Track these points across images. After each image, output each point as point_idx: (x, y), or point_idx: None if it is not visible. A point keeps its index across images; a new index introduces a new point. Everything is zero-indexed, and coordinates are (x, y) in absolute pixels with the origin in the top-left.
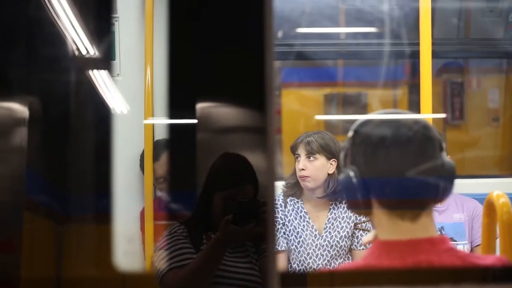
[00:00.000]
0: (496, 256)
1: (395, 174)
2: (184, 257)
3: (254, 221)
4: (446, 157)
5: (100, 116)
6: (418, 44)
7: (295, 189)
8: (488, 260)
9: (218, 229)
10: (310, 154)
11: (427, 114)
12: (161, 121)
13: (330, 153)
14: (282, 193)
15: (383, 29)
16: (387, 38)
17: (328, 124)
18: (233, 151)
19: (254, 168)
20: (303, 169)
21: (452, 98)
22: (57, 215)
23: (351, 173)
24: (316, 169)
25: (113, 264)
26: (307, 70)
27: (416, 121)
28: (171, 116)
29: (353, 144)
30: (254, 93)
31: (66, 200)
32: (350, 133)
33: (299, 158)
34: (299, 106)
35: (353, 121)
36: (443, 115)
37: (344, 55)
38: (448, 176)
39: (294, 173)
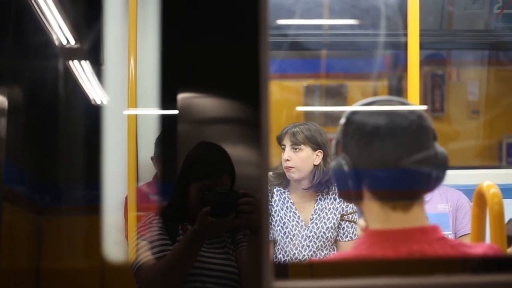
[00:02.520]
0: (487, 244)
1: (389, 164)
2: (160, 248)
3: (232, 212)
4: (439, 147)
5: (84, 106)
6: (399, 35)
7: (282, 179)
8: (479, 248)
9: (195, 220)
10: (295, 144)
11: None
12: (145, 111)
13: (316, 144)
14: (268, 183)
15: (366, 21)
16: (369, 29)
17: (308, 115)
18: (225, 143)
19: (235, 157)
20: (288, 160)
21: (432, 90)
22: (38, 206)
23: (343, 162)
24: (301, 160)
25: (101, 255)
26: (288, 62)
27: (411, 111)
28: (159, 107)
29: (346, 133)
30: (248, 85)
31: (48, 191)
32: (342, 121)
33: (284, 148)
34: (280, 98)
35: (333, 112)
36: (424, 107)
37: (326, 46)
38: (441, 165)
39: (280, 164)
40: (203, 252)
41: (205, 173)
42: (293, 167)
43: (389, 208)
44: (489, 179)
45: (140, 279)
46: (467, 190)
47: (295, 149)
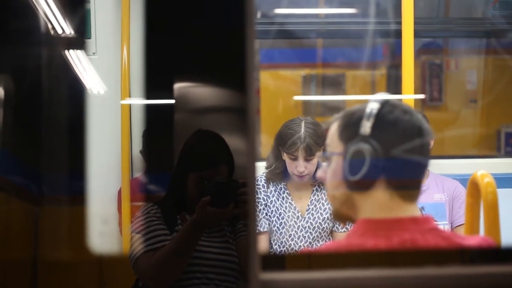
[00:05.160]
0: (481, 236)
1: (410, 155)
2: (158, 239)
3: (232, 202)
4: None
5: (76, 96)
6: (397, 23)
7: (280, 176)
8: (472, 240)
9: (193, 210)
10: (309, 156)
11: (406, 95)
12: (139, 101)
13: (321, 145)
14: (264, 175)
15: (364, 9)
16: (367, 18)
17: (306, 105)
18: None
19: (230, 146)
20: (303, 170)
21: (430, 79)
22: (33, 196)
23: (363, 153)
24: (313, 166)
25: (88, 246)
26: (286, 51)
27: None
28: (149, 97)
29: (381, 129)
30: (234, 73)
31: (42, 181)
32: (371, 119)
33: (295, 159)
34: (278, 87)
35: (331, 102)
36: (422, 96)
37: (323, 35)
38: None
39: (276, 161)
40: (203, 242)
41: (203, 163)
42: (307, 175)
43: (399, 198)
44: (487, 169)
45: (139, 270)
46: (465, 180)
47: (309, 160)
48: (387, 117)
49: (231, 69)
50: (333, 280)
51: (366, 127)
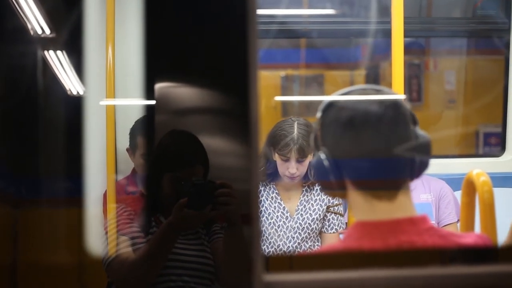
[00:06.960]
0: (476, 233)
1: (368, 154)
2: (132, 242)
3: (209, 204)
4: (420, 131)
5: (62, 96)
6: (376, 23)
7: (270, 176)
8: (469, 238)
9: (168, 212)
10: (302, 157)
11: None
12: (123, 101)
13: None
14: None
15: (343, 9)
16: (346, 18)
17: (286, 105)
18: (206, 134)
19: (213, 148)
20: (295, 172)
21: (410, 79)
22: (13, 199)
23: (323, 156)
24: (304, 167)
25: (84, 248)
26: (265, 52)
27: (386, 99)
28: (137, 97)
29: (323, 126)
30: (236, 74)
31: (27, 183)
32: (319, 114)
33: (288, 160)
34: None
35: (309, 102)
36: (402, 96)
37: (303, 35)
38: (424, 151)
39: (266, 162)
40: (178, 244)
41: (179, 162)
42: (298, 176)
43: (373, 198)
44: (466, 169)
45: (112, 273)
46: (445, 180)
47: (301, 161)
48: (329, 118)
49: (226, 70)
50: (337, 281)
51: (333, 141)
